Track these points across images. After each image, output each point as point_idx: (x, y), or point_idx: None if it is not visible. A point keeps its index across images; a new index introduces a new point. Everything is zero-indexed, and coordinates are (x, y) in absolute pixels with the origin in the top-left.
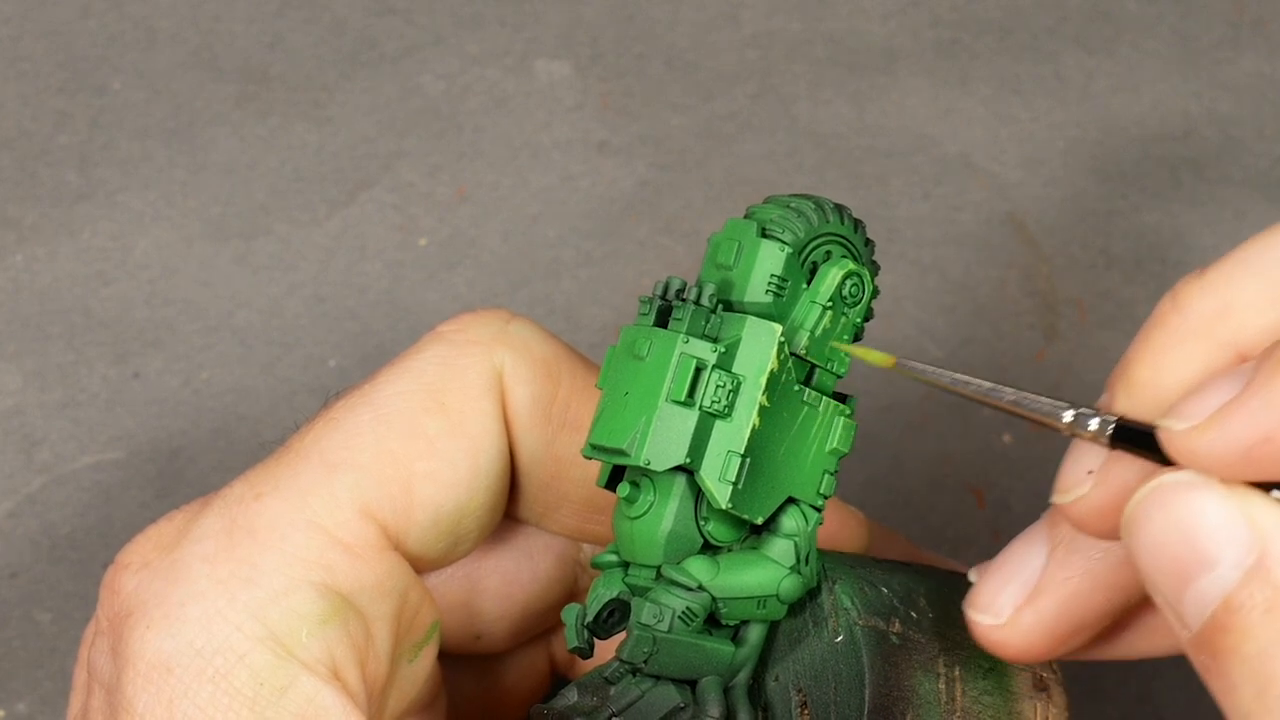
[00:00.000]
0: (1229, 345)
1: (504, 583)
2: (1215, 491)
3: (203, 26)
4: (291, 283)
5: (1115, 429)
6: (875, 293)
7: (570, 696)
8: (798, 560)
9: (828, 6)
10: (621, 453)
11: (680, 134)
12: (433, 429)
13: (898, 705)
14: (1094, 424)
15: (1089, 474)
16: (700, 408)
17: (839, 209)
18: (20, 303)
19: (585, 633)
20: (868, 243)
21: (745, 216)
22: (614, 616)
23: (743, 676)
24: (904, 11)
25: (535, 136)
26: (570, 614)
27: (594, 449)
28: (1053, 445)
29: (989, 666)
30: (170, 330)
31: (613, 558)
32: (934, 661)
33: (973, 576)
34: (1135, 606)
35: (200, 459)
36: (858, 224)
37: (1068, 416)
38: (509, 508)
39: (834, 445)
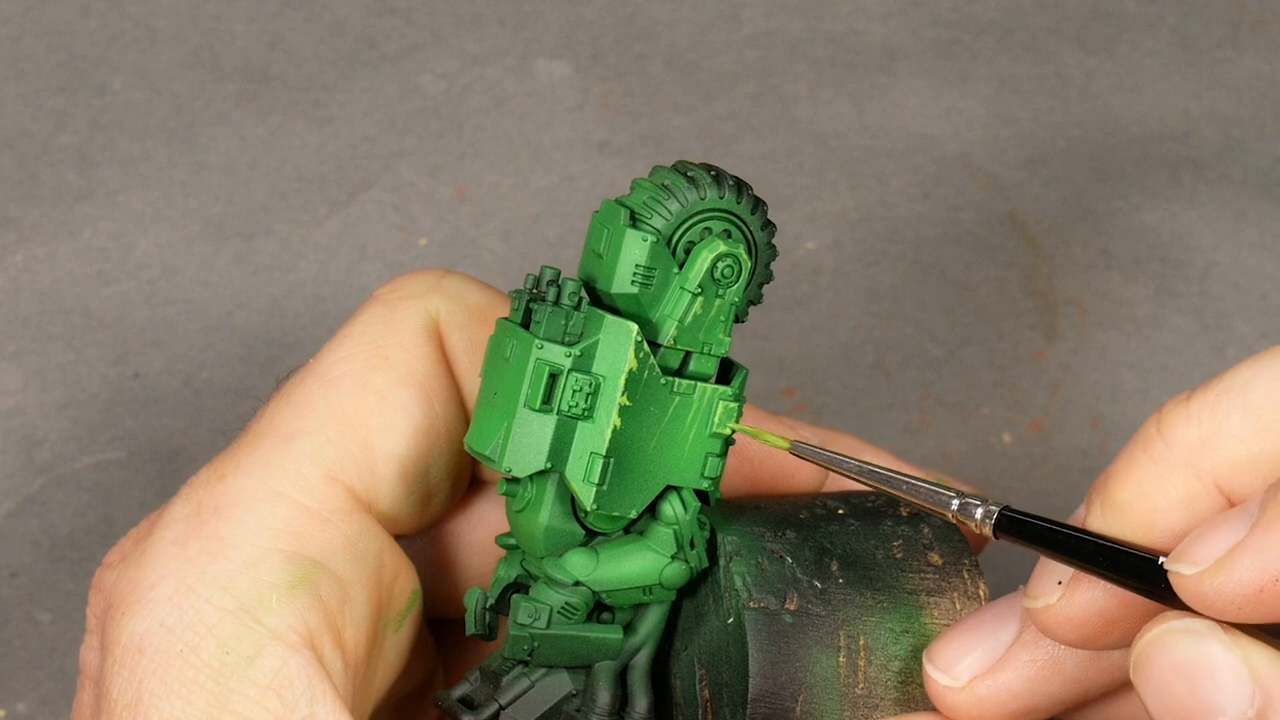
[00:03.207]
0: (1209, 475)
1: (487, 535)
2: (1220, 640)
3: (203, 26)
4: (291, 283)
5: (998, 519)
6: (769, 277)
7: (473, 681)
8: (680, 547)
9: (828, 6)
10: (489, 458)
11: (680, 134)
12: (381, 383)
13: (787, 690)
14: (979, 513)
15: (1059, 584)
16: (559, 412)
17: (734, 184)
18: (20, 303)
19: (487, 616)
20: (765, 225)
21: (631, 190)
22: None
23: (642, 657)
24: (904, 11)
25: (535, 136)
26: (471, 598)
27: (471, 450)
28: (1053, 445)
29: (902, 629)
30: (170, 330)
31: (514, 539)
32: (834, 635)
33: (925, 660)
34: (1094, 700)
35: (200, 459)
36: (758, 203)
37: (954, 505)
38: (477, 466)
39: (715, 428)
